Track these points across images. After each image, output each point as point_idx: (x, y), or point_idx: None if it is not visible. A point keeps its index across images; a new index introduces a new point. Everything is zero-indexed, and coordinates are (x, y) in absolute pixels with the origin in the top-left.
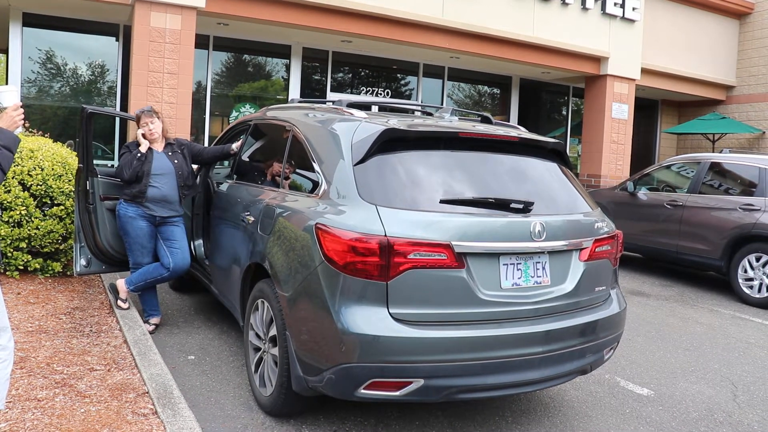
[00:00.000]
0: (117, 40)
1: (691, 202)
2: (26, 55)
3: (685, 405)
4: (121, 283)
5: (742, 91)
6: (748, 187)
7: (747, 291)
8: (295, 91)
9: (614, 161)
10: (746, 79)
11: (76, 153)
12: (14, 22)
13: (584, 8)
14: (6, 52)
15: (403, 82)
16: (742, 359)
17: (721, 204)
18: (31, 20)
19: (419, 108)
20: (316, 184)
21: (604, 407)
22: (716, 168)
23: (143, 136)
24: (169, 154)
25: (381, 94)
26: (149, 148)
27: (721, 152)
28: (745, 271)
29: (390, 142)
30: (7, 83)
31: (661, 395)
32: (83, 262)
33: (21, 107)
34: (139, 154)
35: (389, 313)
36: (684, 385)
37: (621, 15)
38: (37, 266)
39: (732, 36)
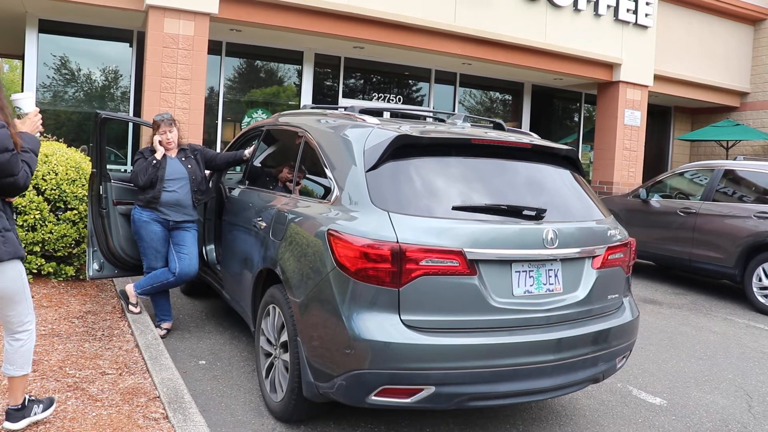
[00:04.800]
0: (131, 45)
1: (704, 210)
2: (41, 61)
3: (698, 415)
4: (130, 288)
5: (756, 97)
6: (763, 195)
7: (762, 300)
8: (307, 97)
9: (627, 168)
10: (761, 85)
11: (89, 158)
12: (30, 29)
13: (597, 14)
14: (22, 57)
15: (414, 88)
16: (757, 369)
17: (735, 212)
18: (46, 27)
19: (431, 114)
20: (328, 190)
21: (616, 416)
22: (730, 175)
23: (159, 143)
24: (183, 159)
25: (393, 100)
26: (164, 155)
27: (735, 159)
28: (760, 280)
29: (402, 149)
30: (23, 89)
31: (674, 405)
32: (96, 266)
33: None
34: (154, 161)
35: (401, 320)
36: (697, 395)
37: (634, 21)
38: (51, 270)
39: (746, 42)
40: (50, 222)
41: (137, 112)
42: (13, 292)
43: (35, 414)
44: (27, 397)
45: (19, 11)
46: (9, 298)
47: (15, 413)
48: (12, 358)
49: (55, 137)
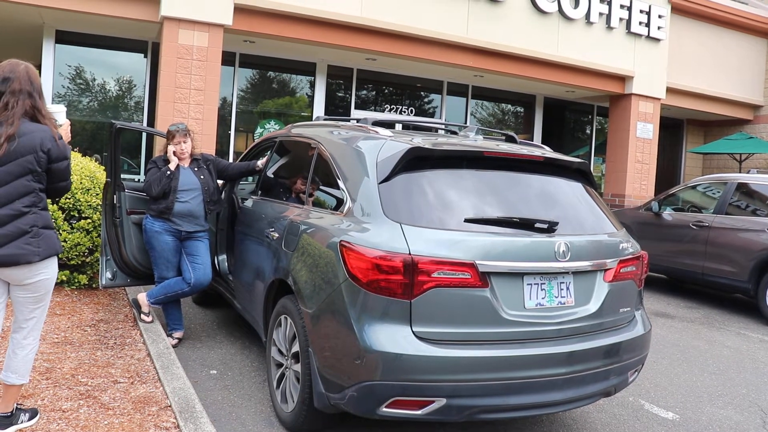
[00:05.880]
0: (145, 56)
1: (717, 223)
2: (57, 71)
3: (711, 430)
4: (142, 297)
5: None
6: None
7: None
8: (319, 108)
9: (639, 181)
10: None
11: (104, 167)
12: (47, 39)
13: (609, 27)
14: (39, 67)
15: (426, 100)
16: None
17: (748, 225)
18: (63, 37)
19: (443, 126)
20: (340, 202)
21: (627, 430)
22: (743, 189)
23: (174, 153)
24: (195, 169)
25: (405, 112)
26: (177, 165)
27: (748, 173)
28: None
29: (415, 161)
30: None
31: (687, 419)
32: (109, 275)
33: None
34: (168, 172)
35: (412, 332)
36: (710, 410)
37: (646, 34)
38: (64, 278)
39: (759, 55)
40: (64, 230)
41: (151, 121)
42: (50, 287)
43: (22, 422)
44: (15, 405)
45: (36, 22)
46: (46, 292)
47: (4, 420)
48: (16, 366)
49: (69, 146)
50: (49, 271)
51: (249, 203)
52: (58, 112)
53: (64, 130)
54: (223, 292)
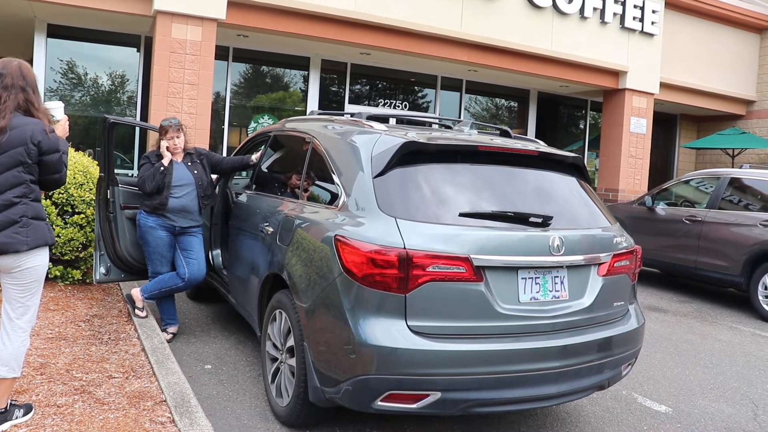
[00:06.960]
0: (138, 50)
1: (710, 218)
2: (49, 66)
3: (703, 423)
4: (136, 292)
5: (762, 105)
6: None
7: (767, 308)
8: (313, 102)
9: (632, 176)
10: (767, 93)
11: (97, 162)
12: (39, 33)
13: (603, 22)
14: (30, 62)
15: (420, 94)
16: (762, 377)
17: (741, 220)
18: (55, 31)
19: (437, 121)
20: (335, 196)
21: (621, 423)
22: (736, 183)
23: (167, 149)
24: (189, 164)
25: (399, 106)
26: (170, 160)
27: (741, 167)
28: (765, 288)
29: (410, 155)
30: None
31: (680, 413)
32: (103, 270)
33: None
34: (161, 168)
35: (407, 326)
36: (703, 403)
37: (640, 29)
38: (58, 273)
39: (752, 50)
40: (58, 225)
41: (144, 116)
42: (38, 277)
43: (16, 418)
44: (9, 401)
45: (28, 16)
46: (34, 281)
47: None
48: (6, 359)
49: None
50: (37, 260)
51: (243, 198)
52: (56, 108)
53: (62, 125)
54: (218, 287)
